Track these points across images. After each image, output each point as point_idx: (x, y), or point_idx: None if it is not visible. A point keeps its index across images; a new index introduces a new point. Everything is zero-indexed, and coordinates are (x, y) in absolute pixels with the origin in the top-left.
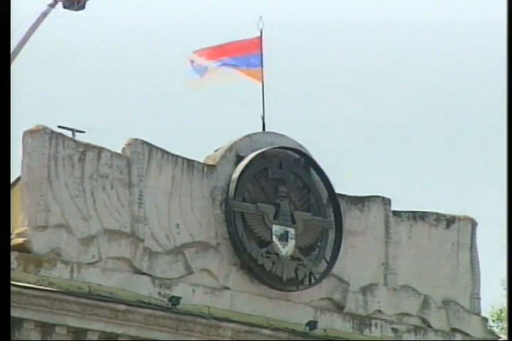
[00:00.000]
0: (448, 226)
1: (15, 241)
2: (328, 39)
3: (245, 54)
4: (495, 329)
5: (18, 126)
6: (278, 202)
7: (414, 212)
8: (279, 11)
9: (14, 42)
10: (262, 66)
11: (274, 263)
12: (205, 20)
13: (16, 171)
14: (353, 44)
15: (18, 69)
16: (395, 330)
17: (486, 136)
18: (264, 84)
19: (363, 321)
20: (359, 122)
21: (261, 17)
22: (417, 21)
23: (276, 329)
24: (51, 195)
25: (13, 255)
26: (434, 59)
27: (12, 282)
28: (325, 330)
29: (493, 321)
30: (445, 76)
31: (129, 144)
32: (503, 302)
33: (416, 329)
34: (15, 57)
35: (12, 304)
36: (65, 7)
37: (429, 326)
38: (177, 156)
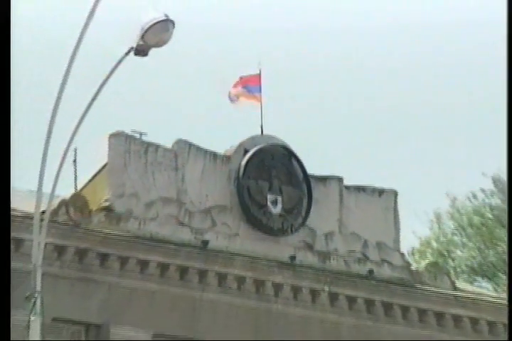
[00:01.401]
0: (380, 195)
1: (103, 204)
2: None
3: (251, 85)
4: (409, 261)
5: (104, 130)
6: (271, 180)
7: (358, 187)
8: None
9: (97, 84)
10: (260, 92)
11: (268, 219)
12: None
13: (102, 160)
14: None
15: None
16: (345, 262)
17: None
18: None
19: (325, 256)
20: (326, 124)
21: (259, 61)
22: (417, 22)
23: (269, 260)
24: (126, 175)
25: (103, 213)
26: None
27: (101, 230)
28: (301, 261)
29: (408, 255)
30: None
31: (176, 142)
32: (413, 243)
33: (359, 260)
34: (98, 93)
35: (102, 244)
36: (135, 54)
37: (368, 259)
38: (206, 150)
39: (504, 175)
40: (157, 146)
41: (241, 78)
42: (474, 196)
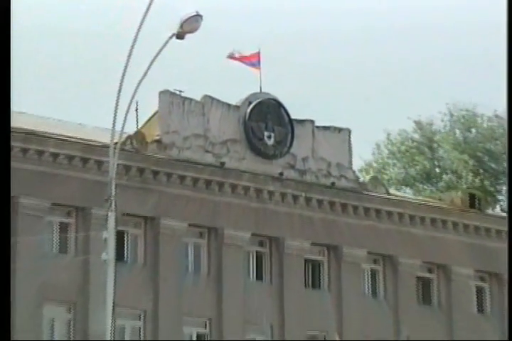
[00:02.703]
0: (339, 132)
1: (155, 138)
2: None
3: (251, 60)
4: (358, 176)
5: (155, 88)
6: (267, 122)
7: (324, 126)
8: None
9: (145, 65)
10: (259, 65)
11: (265, 148)
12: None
13: (154, 109)
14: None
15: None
16: (316, 176)
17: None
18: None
19: (302, 172)
20: (304, 85)
21: (259, 42)
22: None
23: (266, 176)
24: (170, 119)
25: (155, 144)
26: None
27: (154, 155)
28: (286, 176)
29: (357, 172)
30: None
31: (203, 97)
32: (361, 164)
33: (325, 176)
34: (151, 64)
35: (154, 165)
36: (176, 38)
37: (331, 175)
38: (223, 102)
39: (423, 119)
40: (191, 99)
41: (243, 56)
42: (401, 132)
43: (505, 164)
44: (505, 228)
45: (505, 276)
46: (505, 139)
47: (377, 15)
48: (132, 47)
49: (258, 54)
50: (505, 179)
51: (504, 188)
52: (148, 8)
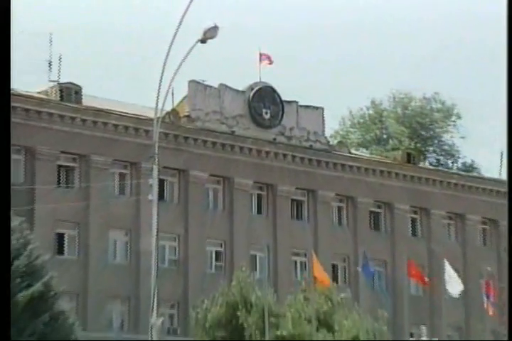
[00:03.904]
0: (316, 109)
1: (186, 114)
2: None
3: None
4: (329, 140)
5: (185, 78)
6: (264, 102)
7: (306, 105)
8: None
9: (176, 65)
10: (261, 61)
11: (263, 120)
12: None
13: (184, 93)
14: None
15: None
16: (299, 141)
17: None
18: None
19: (289, 138)
20: (291, 75)
21: (260, 50)
22: None
23: (263, 140)
24: (196, 100)
25: (186, 118)
26: None
27: (185, 126)
28: (278, 141)
29: (329, 138)
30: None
31: (219, 85)
32: (330, 132)
33: (306, 140)
34: (176, 73)
35: (185, 132)
36: (200, 42)
37: (309, 139)
38: (233, 88)
39: (375, 100)
40: (210, 87)
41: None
42: (361, 109)
43: (432, 132)
44: (431, 176)
45: (432, 211)
46: (431, 115)
47: (346, 12)
48: (169, 48)
49: (260, 55)
50: (431, 142)
51: (431, 148)
52: (184, 14)
